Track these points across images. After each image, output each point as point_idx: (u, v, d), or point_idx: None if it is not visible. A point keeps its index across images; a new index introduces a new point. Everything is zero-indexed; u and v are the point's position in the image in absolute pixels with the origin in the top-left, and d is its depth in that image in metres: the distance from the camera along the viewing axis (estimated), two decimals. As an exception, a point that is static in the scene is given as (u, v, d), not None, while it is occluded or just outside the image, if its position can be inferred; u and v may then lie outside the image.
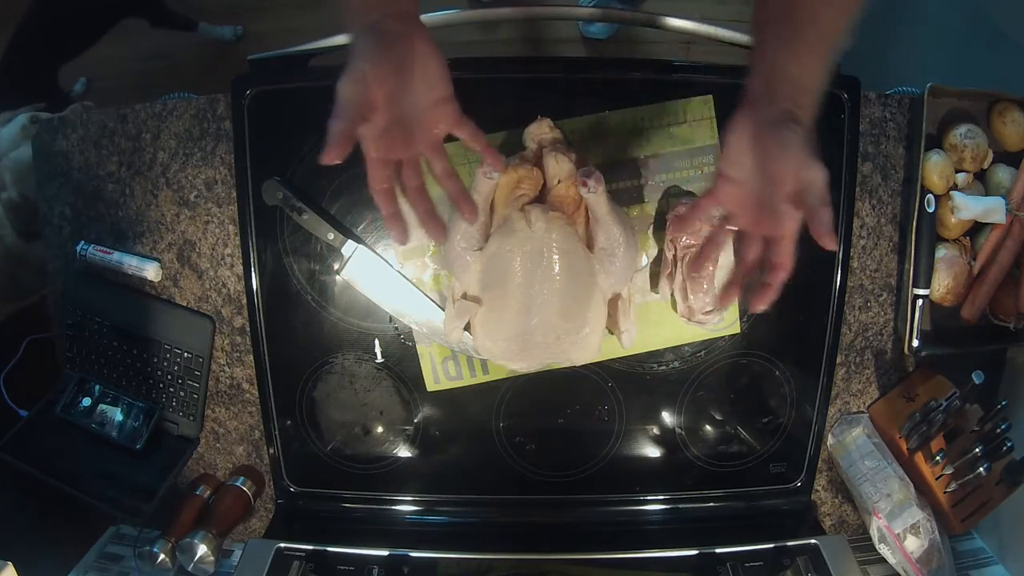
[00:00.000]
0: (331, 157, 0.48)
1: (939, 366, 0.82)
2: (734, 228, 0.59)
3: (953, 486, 0.76)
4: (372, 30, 0.49)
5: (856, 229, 0.80)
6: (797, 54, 0.49)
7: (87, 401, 0.84)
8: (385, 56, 0.49)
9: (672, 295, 0.75)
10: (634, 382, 0.80)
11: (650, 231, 0.77)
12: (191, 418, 0.84)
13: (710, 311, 0.73)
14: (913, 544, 0.75)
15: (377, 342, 0.80)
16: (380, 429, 0.82)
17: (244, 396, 0.85)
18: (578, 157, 0.69)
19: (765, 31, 0.51)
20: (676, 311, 0.76)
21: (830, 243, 0.49)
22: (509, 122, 0.73)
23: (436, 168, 0.56)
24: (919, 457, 0.77)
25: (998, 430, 0.73)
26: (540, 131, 0.70)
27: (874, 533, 0.79)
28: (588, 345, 0.71)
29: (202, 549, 0.78)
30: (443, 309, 0.76)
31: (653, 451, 0.82)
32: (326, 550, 0.76)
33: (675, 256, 0.73)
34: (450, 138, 0.56)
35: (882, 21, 1.26)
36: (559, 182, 0.68)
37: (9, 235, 0.99)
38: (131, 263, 0.81)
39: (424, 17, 0.64)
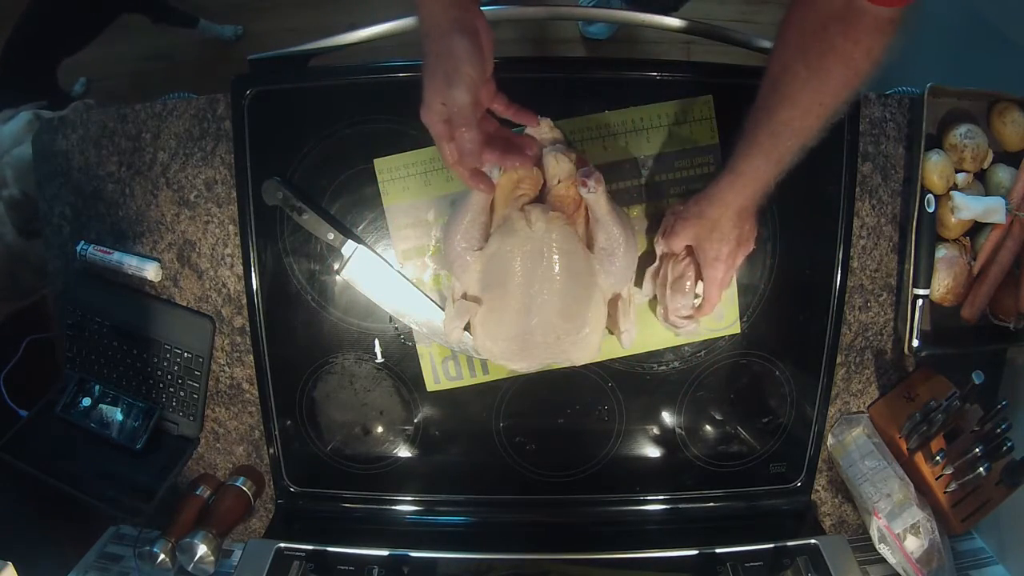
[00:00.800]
0: (507, 160, 0.60)
1: (939, 366, 0.82)
2: None
3: (953, 486, 0.76)
4: (458, 28, 0.52)
5: (856, 229, 0.80)
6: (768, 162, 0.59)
7: (87, 401, 0.84)
8: (478, 55, 0.53)
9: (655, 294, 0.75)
10: (634, 382, 0.80)
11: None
12: (191, 418, 0.84)
13: (687, 316, 0.72)
14: (913, 544, 0.75)
15: (377, 342, 0.80)
16: (380, 429, 0.82)
17: (244, 396, 0.85)
18: (578, 157, 0.69)
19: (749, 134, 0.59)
20: (654, 313, 0.76)
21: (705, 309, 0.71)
22: (509, 122, 0.73)
23: (490, 129, 0.62)
24: (919, 457, 0.77)
25: (998, 430, 0.73)
26: (540, 131, 0.70)
27: (874, 533, 0.79)
28: (588, 345, 0.71)
29: (202, 549, 0.78)
30: (443, 309, 0.76)
31: (653, 451, 0.82)
32: (326, 550, 0.76)
33: (664, 253, 0.73)
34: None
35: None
36: (559, 182, 0.68)
37: (9, 233, 0.99)
38: (131, 263, 0.81)
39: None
